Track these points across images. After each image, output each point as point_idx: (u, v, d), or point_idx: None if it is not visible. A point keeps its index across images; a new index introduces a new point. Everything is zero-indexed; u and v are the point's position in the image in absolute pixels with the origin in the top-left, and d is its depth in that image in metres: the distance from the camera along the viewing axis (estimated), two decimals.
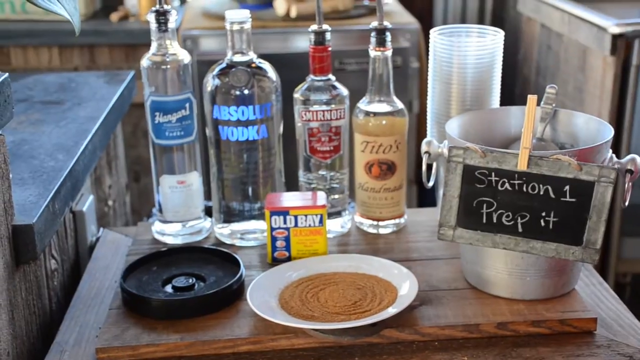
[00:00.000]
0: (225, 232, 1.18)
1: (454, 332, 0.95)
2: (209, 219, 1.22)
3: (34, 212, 0.95)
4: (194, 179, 1.17)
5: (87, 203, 1.24)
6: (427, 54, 2.89)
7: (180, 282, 1.04)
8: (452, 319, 0.96)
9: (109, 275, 1.13)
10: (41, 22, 2.50)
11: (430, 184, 1.06)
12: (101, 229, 1.30)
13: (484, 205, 0.94)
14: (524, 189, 0.92)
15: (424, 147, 1.05)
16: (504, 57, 1.16)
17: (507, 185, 0.92)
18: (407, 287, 0.99)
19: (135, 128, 2.56)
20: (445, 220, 0.96)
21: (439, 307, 0.99)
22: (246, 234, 1.18)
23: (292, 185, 1.23)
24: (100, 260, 1.17)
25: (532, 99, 0.91)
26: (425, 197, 2.60)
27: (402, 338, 0.95)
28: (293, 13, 2.44)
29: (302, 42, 2.42)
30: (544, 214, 0.92)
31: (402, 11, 2.65)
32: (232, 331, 0.96)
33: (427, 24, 2.95)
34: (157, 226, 1.20)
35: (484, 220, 0.94)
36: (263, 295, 1.00)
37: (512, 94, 2.76)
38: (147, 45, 2.66)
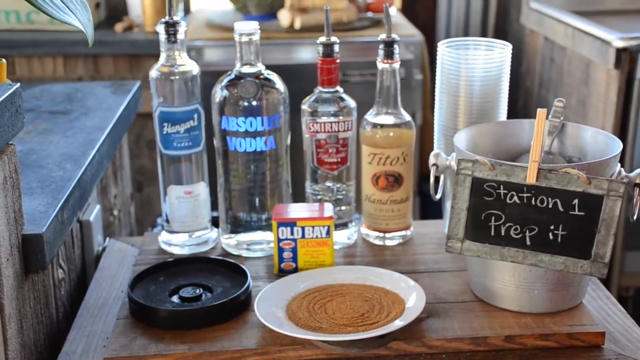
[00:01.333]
0: (232, 242, 1.18)
1: (462, 345, 0.95)
2: (216, 229, 1.22)
3: (43, 221, 0.96)
4: (201, 189, 1.18)
5: (93, 213, 1.24)
6: (431, 66, 2.91)
7: (188, 292, 1.04)
8: (460, 332, 0.96)
9: (115, 285, 1.13)
10: (46, 32, 2.51)
11: (438, 196, 1.06)
12: (107, 238, 1.30)
13: (493, 218, 0.94)
14: (533, 202, 0.92)
15: (431, 160, 1.05)
16: None
17: (515, 198, 0.93)
18: (414, 300, 0.99)
19: (139, 138, 2.56)
20: (453, 232, 0.96)
21: (446, 320, 0.99)
22: (253, 245, 1.18)
23: (298, 196, 1.24)
24: (106, 270, 1.17)
25: (541, 112, 0.91)
26: (427, 209, 2.60)
27: (410, 350, 0.95)
28: (297, 24, 2.45)
29: (306, 54, 2.42)
30: (552, 227, 0.92)
31: (406, 23, 2.66)
32: (239, 342, 0.96)
33: (430, 36, 2.97)
34: (163, 236, 1.20)
35: (492, 233, 0.95)
36: (270, 306, 1.00)
37: (514, 107, 2.76)
38: (151, 56, 2.68)
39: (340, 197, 1.18)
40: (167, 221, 1.19)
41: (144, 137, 2.57)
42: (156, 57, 2.71)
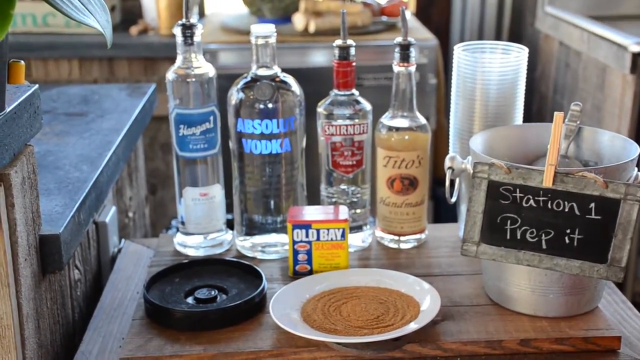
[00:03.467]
0: (246, 244, 1.19)
1: (477, 348, 0.95)
2: (230, 231, 1.23)
3: (60, 222, 0.96)
4: (217, 191, 1.18)
5: (109, 214, 1.25)
6: (445, 70, 2.90)
7: (203, 293, 1.04)
8: (475, 335, 0.96)
9: (131, 286, 1.14)
10: (62, 35, 2.53)
11: (453, 199, 1.06)
12: (123, 240, 1.31)
13: (508, 222, 0.94)
14: (549, 205, 0.92)
15: (447, 163, 1.05)
16: None
17: (531, 201, 0.92)
18: (429, 303, 0.99)
19: (153, 141, 2.57)
20: (469, 235, 0.96)
21: (461, 323, 0.98)
22: (267, 247, 1.18)
23: (313, 199, 1.24)
24: (122, 272, 1.18)
25: (558, 116, 0.91)
26: (440, 213, 2.60)
27: (425, 353, 0.95)
28: (311, 28, 2.46)
29: (320, 57, 2.43)
30: (568, 231, 0.92)
31: (420, 27, 2.66)
32: (254, 343, 0.96)
33: (444, 40, 2.97)
34: (178, 238, 1.21)
35: (508, 237, 0.94)
36: (285, 308, 1.00)
37: (528, 112, 2.75)
38: (166, 59, 2.69)
39: (355, 199, 1.18)
40: (183, 223, 1.19)
41: (158, 140, 2.58)
42: (171, 60, 2.72)
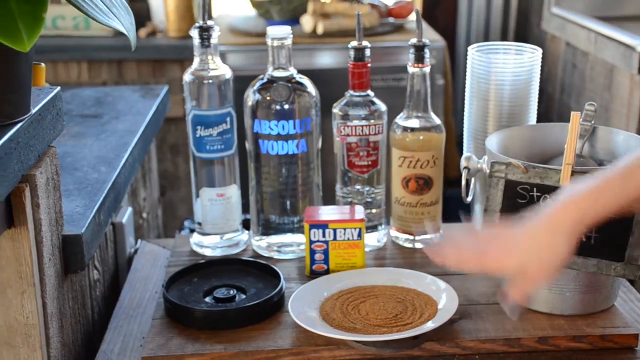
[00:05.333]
0: (263, 244, 1.20)
1: (495, 346, 0.96)
2: (246, 231, 1.24)
3: (82, 222, 0.97)
4: (233, 191, 1.19)
5: (126, 215, 1.26)
6: (452, 71, 2.90)
7: (221, 293, 1.05)
8: (493, 333, 0.97)
9: (149, 286, 1.15)
10: (71, 37, 2.54)
11: (469, 199, 1.07)
12: (139, 240, 1.32)
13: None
14: None
15: (463, 163, 1.06)
16: None
17: (548, 200, 0.93)
18: (447, 301, 1.00)
19: (162, 142, 2.58)
20: None
21: (478, 321, 0.99)
22: (283, 247, 1.19)
23: (328, 199, 1.25)
24: (139, 272, 1.19)
25: (575, 115, 0.92)
26: (450, 214, 2.60)
27: (443, 351, 0.96)
28: (320, 30, 2.47)
29: (329, 59, 2.44)
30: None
31: (427, 28, 2.67)
32: (274, 342, 0.97)
33: (450, 41, 2.98)
34: (195, 238, 1.22)
35: None
36: (304, 307, 1.01)
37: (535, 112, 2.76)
38: (174, 61, 2.70)
39: (370, 199, 1.19)
40: (199, 223, 1.20)
41: (167, 142, 2.59)
42: (179, 62, 2.73)
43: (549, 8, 2.66)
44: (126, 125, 1.37)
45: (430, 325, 0.95)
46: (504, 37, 3.02)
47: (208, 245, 1.20)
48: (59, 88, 0.93)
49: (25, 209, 0.81)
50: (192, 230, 1.81)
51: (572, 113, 0.92)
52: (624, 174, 0.79)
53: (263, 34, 2.53)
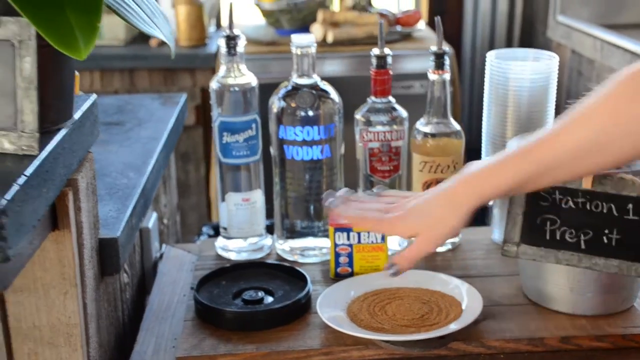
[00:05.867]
0: (286, 248, 1.22)
1: (519, 346, 0.98)
2: (270, 236, 1.26)
3: (116, 226, 1.00)
4: (258, 196, 1.22)
5: (151, 220, 1.29)
6: (460, 79, 2.93)
7: (250, 295, 1.08)
8: (517, 333, 0.99)
9: (177, 289, 1.17)
10: None
11: (491, 202, 1.09)
12: (163, 245, 1.34)
13: (548, 223, 0.98)
14: (588, 207, 0.96)
15: None
16: None
17: (570, 203, 0.96)
18: (471, 302, 1.03)
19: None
20: (509, 236, 1.00)
21: (502, 322, 1.02)
22: (307, 251, 1.22)
23: None
24: (166, 276, 1.22)
25: None
26: None
27: (469, 351, 0.98)
28: (329, 38, 2.51)
29: (338, 67, 2.48)
30: (607, 231, 0.95)
31: (434, 37, 2.70)
32: (304, 342, 0.99)
33: (456, 49, 3.01)
34: (220, 242, 1.24)
35: (548, 237, 0.98)
36: (331, 308, 1.03)
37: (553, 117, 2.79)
38: (185, 70, 2.73)
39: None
40: (224, 228, 1.23)
41: (178, 150, 2.62)
42: (190, 70, 2.76)
43: (554, 16, 2.69)
44: (149, 133, 1.40)
45: (456, 325, 0.98)
46: (509, 45, 3.06)
47: (233, 249, 1.23)
48: (95, 95, 0.96)
49: (69, 212, 0.84)
50: (210, 236, 1.84)
51: None
52: (521, 152, 0.85)
53: (273, 43, 2.58)
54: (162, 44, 2.68)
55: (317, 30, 2.52)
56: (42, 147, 0.76)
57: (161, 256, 1.30)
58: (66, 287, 0.85)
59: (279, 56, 2.43)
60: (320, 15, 2.55)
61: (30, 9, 0.64)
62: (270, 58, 2.46)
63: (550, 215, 0.97)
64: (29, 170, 0.71)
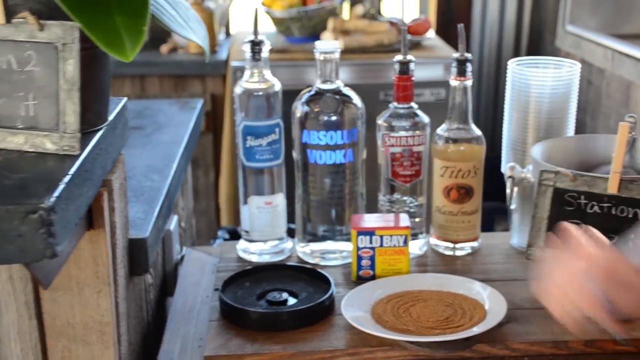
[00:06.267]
0: (308, 251, 1.23)
1: (543, 349, 0.99)
2: (291, 239, 1.27)
3: (145, 227, 1.01)
4: (280, 200, 1.23)
5: (173, 223, 1.30)
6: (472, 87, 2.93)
7: (274, 296, 1.09)
8: (541, 336, 1.00)
9: (199, 290, 1.18)
10: None
11: (513, 206, 1.11)
12: (183, 247, 1.36)
13: None
14: (613, 211, 0.97)
15: (507, 172, 1.10)
16: None
17: (596, 207, 0.97)
18: (495, 305, 1.04)
19: None
20: (534, 241, 1.01)
21: (525, 325, 1.03)
22: (328, 254, 1.23)
23: (369, 207, 1.29)
24: (188, 277, 1.23)
25: (623, 126, 0.96)
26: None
27: (494, 353, 0.99)
28: (340, 46, 2.52)
29: (348, 74, 2.49)
30: (632, 235, 0.97)
31: (444, 45, 2.72)
32: (330, 343, 1.00)
33: None
34: (241, 245, 1.26)
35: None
36: (356, 310, 1.04)
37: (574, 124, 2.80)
38: (195, 77, 2.74)
39: (412, 208, 1.23)
40: (246, 231, 1.24)
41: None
42: (200, 77, 2.77)
43: (563, 26, 2.71)
44: (169, 137, 1.41)
45: (480, 327, 0.99)
46: (516, 54, 3.08)
47: (255, 252, 1.24)
48: (126, 99, 0.97)
49: (104, 212, 0.85)
50: (225, 240, 1.85)
51: (620, 124, 0.96)
52: None
53: (283, 50, 2.60)
54: (173, 50, 2.70)
55: (327, 38, 2.54)
56: (82, 147, 0.77)
57: (181, 258, 1.31)
58: (100, 285, 0.87)
59: (289, 63, 2.44)
60: (330, 23, 2.57)
61: (81, 13, 0.66)
62: (280, 65, 2.47)
63: (576, 219, 0.98)
64: (72, 170, 0.72)
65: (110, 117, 0.89)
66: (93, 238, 0.85)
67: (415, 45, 2.67)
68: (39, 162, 0.74)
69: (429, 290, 1.10)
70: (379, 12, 2.85)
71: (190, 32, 0.84)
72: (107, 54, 0.85)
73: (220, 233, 1.78)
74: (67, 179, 0.69)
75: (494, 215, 2.49)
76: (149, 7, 0.70)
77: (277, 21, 2.65)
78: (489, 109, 3.14)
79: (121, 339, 0.91)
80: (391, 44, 2.58)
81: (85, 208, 0.76)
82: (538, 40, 3.06)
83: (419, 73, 2.64)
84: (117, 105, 0.94)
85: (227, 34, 3.02)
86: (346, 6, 2.81)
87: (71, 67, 0.74)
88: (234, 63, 2.47)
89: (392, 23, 2.67)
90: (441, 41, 2.79)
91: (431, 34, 2.79)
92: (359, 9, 2.72)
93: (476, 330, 0.98)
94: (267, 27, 2.86)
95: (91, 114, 0.82)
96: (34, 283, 0.84)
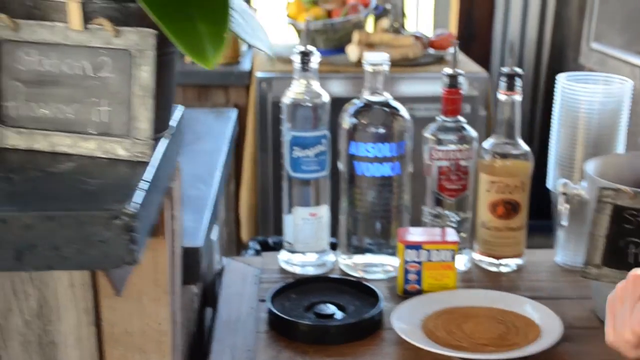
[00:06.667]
0: (351, 264, 1.22)
1: None
2: (333, 251, 1.26)
3: (197, 236, 1.00)
4: (325, 211, 1.22)
5: (215, 232, 1.29)
6: (495, 102, 2.92)
7: (322, 309, 1.08)
8: (597, 357, 0.99)
9: (243, 301, 1.17)
10: None
11: (565, 223, 1.10)
12: (223, 258, 1.35)
13: (631, 245, 0.98)
14: None
15: (560, 189, 1.09)
16: None
17: None
18: (549, 323, 1.03)
19: None
20: (590, 259, 1.00)
21: (580, 344, 1.02)
22: (371, 267, 1.22)
23: (412, 221, 1.28)
24: (231, 288, 1.22)
25: None
26: None
27: None
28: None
29: None
30: None
31: (468, 61, 2.72)
32: (382, 357, 0.99)
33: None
34: (284, 256, 1.25)
35: (630, 260, 0.98)
36: (406, 325, 1.03)
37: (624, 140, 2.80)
38: (218, 87, 2.74)
39: (457, 223, 1.22)
40: (289, 242, 1.23)
41: None
42: (224, 87, 2.76)
43: (588, 43, 2.71)
44: (210, 146, 1.41)
45: (537, 346, 0.98)
46: (537, 70, 3.07)
47: (297, 263, 1.23)
48: (182, 107, 0.97)
49: (165, 220, 0.84)
50: (256, 251, 1.84)
51: None
52: None
53: None
54: None
55: (352, 51, 2.54)
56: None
57: (221, 269, 1.30)
58: (159, 294, 0.86)
59: None
60: (356, 36, 2.57)
61: (167, 20, 0.65)
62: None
63: (635, 238, 0.97)
64: (147, 176, 0.71)
65: (173, 124, 0.88)
66: (154, 246, 0.84)
67: (440, 60, 2.67)
68: (112, 168, 0.74)
69: (480, 307, 1.09)
70: (402, 26, 2.86)
71: (257, 40, 0.83)
72: (175, 61, 0.85)
73: (251, 244, 1.77)
74: (145, 185, 0.69)
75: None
76: (230, 15, 0.69)
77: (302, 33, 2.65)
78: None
79: (176, 348, 0.90)
80: (416, 58, 2.58)
81: (157, 215, 0.75)
82: (559, 57, 3.06)
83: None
84: (177, 113, 0.93)
85: (250, 45, 3.02)
86: (370, 19, 2.81)
87: (146, 73, 0.74)
88: (259, 74, 2.47)
89: (416, 37, 2.67)
90: (465, 57, 2.80)
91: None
92: (385, 23, 2.73)
93: (533, 349, 0.97)
94: (292, 39, 2.86)
95: (158, 121, 0.81)
96: (95, 290, 0.83)
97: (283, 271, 1.24)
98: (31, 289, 0.81)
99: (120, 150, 0.75)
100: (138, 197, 0.66)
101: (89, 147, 0.76)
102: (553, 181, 1.23)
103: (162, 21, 0.65)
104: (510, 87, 1.19)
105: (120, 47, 0.74)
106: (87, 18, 0.74)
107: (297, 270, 1.23)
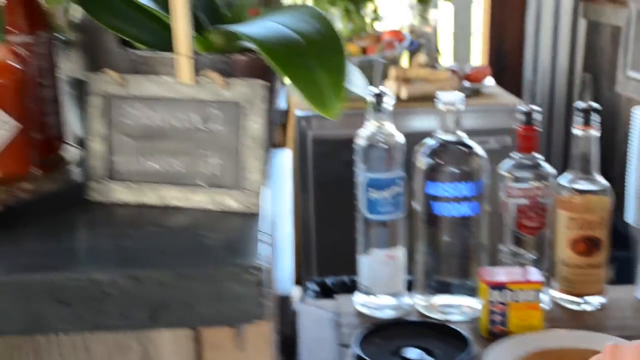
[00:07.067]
0: (429, 305, 1.20)
1: None
2: (408, 292, 1.24)
3: (285, 282, 0.99)
4: (401, 253, 1.20)
5: None
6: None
7: (412, 354, 1.06)
8: None
9: (324, 346, 1.15)
10: None
11: None
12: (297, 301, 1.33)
13: None
14: None
15: None
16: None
17: None
18: None
19: None
20: None
21: None
22: (448, 308, 1.20)
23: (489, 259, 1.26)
24: (309, 331, 1.20)
25: None
26: None
27: None
28: (403, 94, 2.52)
29: (412, 122, 2.48)
30: None
31: (503, 93, 2.72)
32: None
33: None
34: (360, 298, 1.22)
35: None
36: None
37: (610, 175, 2.78)
38: None
39: (533, 262, 1.20)
40: (365, 285, 1.21)
41: None
42: None
43: (624, 71, 2.70)
44: (274, 186, 1.40)
45: None
46: (569, 100, 3.06)
47: (374, 306, 1.21)
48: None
49: None
50: (316, 293, 1.82)
51: None
52: None
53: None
54: None
55: (390, 86, 2.54)
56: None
57: (293, 313, 1.28)
58: (261, 344, 0.84)
59: (350, 112, 2.44)
60: (392, 72, 2.57)
61: (290, 72, 0.65)
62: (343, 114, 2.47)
63: None
64: (267, 228, 0.70)
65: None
66: None
67: (475, 93, 2.66)
68: (225, 220, 0.73)
69: (571, 348, 1.06)
70: (436, 61, 2.86)
71: (353, 84, 0.83)
72: (271, 111, 0.85)
73: (309, 285, 1.74)
74: (266, 238, 0.67)
75: None
76: (347, 64, 0.68)
77: None
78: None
79: None
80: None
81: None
82: (594, 86, 3.05)
83: (483, 121, 2.65)
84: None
85: (282, 82, 3.03)
86: (405, 55, 2.82)
87: (257, 124, 0.73)
88: (298, 112, 2.47)
89: (453, 71, 2.67)
90: (500, 89, 2.79)
91: (489, 81, 2.79)
92: (422, 58, 2.73)
93: None
94: None
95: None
96: (197, 343, 0.81)
97: (360, 314, 1.21)
98: (134, 343, 0.79)
99: (230, 201, 0.74)
100: (263, 250, 0.64)
101: (198, 199, 0.75)
102: (633, 215, 1.20)
103: (286, 73, 0.64)
104: (587, 122, 1.18)
105: (230, 99, 0.73)
106: (196, 71, 0.73)
107: (376, 313, 1.21)
